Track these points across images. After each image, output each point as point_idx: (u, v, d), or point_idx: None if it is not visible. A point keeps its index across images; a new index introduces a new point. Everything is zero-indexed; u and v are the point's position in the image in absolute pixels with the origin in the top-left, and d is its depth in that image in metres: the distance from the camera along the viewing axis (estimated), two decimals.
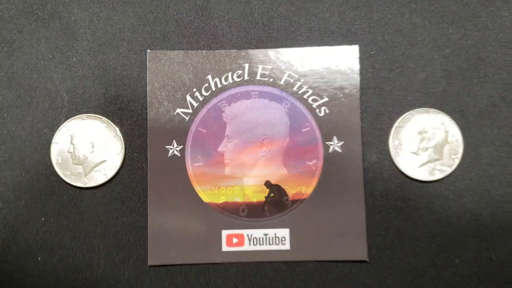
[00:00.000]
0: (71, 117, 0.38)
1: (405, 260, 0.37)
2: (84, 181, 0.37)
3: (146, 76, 0.38)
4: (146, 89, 0.38)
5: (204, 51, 0.38)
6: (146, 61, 0.38)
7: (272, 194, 0.37)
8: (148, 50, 0.38)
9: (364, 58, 0.38)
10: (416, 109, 0.38)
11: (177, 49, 0.38)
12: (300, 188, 0.37)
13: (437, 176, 0.37)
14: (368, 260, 0.37)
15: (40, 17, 0.39)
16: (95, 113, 0.38)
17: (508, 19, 0.38)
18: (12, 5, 0.39)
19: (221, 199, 0.37)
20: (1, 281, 0.36)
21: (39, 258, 0.37)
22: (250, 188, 0.37)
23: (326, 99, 0.38)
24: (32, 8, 0.39)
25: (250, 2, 0.39)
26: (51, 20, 0.39)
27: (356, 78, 0.38)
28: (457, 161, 0.37)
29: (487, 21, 0.39)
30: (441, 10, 0.39)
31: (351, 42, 0.38)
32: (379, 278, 0.37)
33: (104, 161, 0.37)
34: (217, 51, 0.38)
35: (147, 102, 0.38)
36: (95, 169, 0.37)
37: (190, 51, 0.38)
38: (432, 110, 0.38)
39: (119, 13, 0.39)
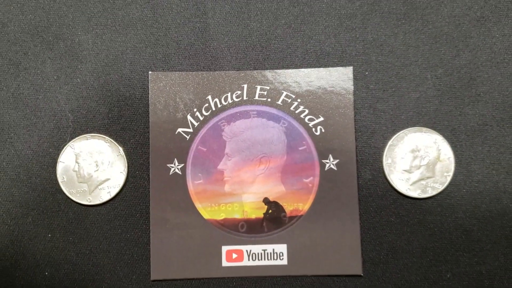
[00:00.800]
0: (75, 136, 0.39)
1: (399, 274, 0.38)
2: (89, 198, 0.38)
3: (148, 97, 0.39)
4: (148, 109, 0.39)
5: (204, 72, 0.39)
6: (148, 82, 0.39)
7: (270, 211, 0.39)
8: (150, 72, 0.39)
9: (358, 79, 0.39)
10: (409, 128, 0.39)
11: (178, 70, 0.39)
12: (297, 204, 0.39)
13: (430, 193, 0.38)
14: (362, 275, 0.38)
15: (45, 39, 0.40)
16: (99, 133, 0.39)
17: (499, 40, 0.40)
18: (17, 27, 0.40)
19: (221, 216, 0.39)
20: None
21: (47, 273, 0.38)
22: (249, 205, 0.39)
23: (322, 118, 0.39)
24: (37, 30, 0.40)
25: (249, 25, 0.40)
26: (55, 42, 0.40)
27: (350, 98, 0.39)
28: (449, 179, 0.38)
29: (478, 41, 0.40)
30: (434, 31, 0.40)
31: (345, 64, 0.39)
32: None
33: (108, 179, 0.38)
34: (216, 72, 0.39)
35: (149, 122, 0.39)
36: (99, 187, 0.38)
37: (190, 72, 0.39)
38: (425, 129, 0.39)
39: (121, 35, 0.40)
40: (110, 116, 0.39)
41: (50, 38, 0.40)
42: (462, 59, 0.40)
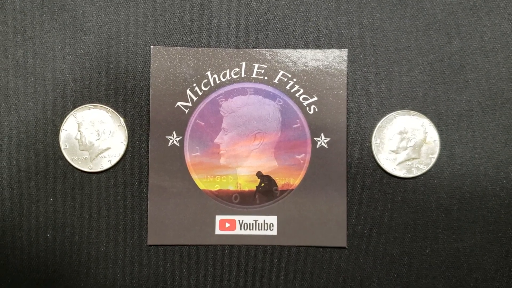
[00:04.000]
0: (78, 106, 0.40)
1: (381, 248, 0.41)
2: (90, 166, 0.40)
3: (149, 70, 0.40)
4: (149, 83, 0.40)
5: (204, 49, 0.41)
6: (149, 56, 0.41)
7: (262, 184, 0.41)
8: (152, 46, 0.40)
9: (352, 61, 0.41)
10: (399, 111, 0.41)
11: (179, 46, 0.41)
12: (289, 179, 0.41)
13: (414, 173, 0.41)
14: (347, 247, 0.40)
15: (50, 9, 0.41)
16: (101, 103, 0.40)
17: (490, 28, 0.41)
18: None
19: (215, 187, 0.41)
20: (13, 254, 0.40)
21: (48, 235, 0.40)
22: (242, 178, 0.41)
23: (315, 98, 0.41)
24: (42, 0, 0.41)
25: (249, 4, 0.41)
26: (60, 12, 0.41)
27: (344, 79, 0.41)
28: (433, 160, 0.41)
29: (470, 30, 0.41)
30: (427, 18, 0.41)
31: (341, 46, 0.41)
32: (356, 263, 0.41)
33: (108, 148, 0.40)
34: (216, 49, 0.41)
35: (149, 94, 0.40)
36: (100, 155, 0.40)
37: (191, 48, 0.41)
38: (413, 112, 0.41)
39: (124, 8, 0.41)
40: (112, 87, 0.41)
41: (55, 8, 0.41)
42: (453, 46, 0.41)
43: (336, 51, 0.41)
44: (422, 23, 0.41)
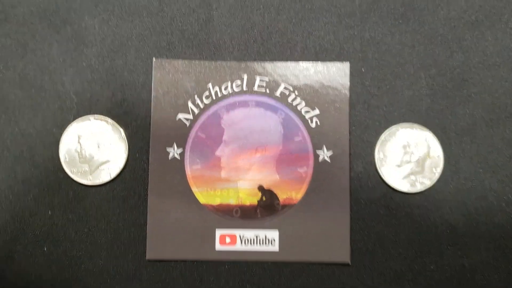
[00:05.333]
0: (79, 117, 0.40)
1: (385, 263, 0.40)
2: (89, 178, 0.40)
3: (151, 83, 0.40)
4: (151, 95, 0.40)
5: (206, 62, 0.41)
6: (151, 69, 0.40)
7: (264, 198, 0.40)
8: (154, 59, 0.41)
9: (354, 75, 0.41)
10: (401, 124, 0.40)
11: (181, 59, 0.41)
12: (291, 193, 0.40)
13: (418, 188, 0.40)
14: (350, 263, 0.40)
15: (52, 22, 0.41)
16: (102, 115, 0.40)
17: (491, 43, 0.41)
18: (27, 10, 0.41)
19: (216, 201, 0.40)
20: (9, 268, 0.39)
21: (45, 249, 0.39)
22: (244, 191, 0.40)
23: (317, 111, 0.40)
24: (45, 14, 0.41)
25: (251, 18, 0.41)
26: (62, 26, 0.41)
27: (346, 93, 0.40)
28: (437, 175, 0.40)
29: (472, 44, 0.41)
30: (429, 32, 0.41)
31: (343, 59, 0.41)
32: (360, 280, 0.40)
33: (108, 161, 0.40)
34: (218, 62, 0.41)
35: (151, 107, 0.40)
36: (100, 168, 0.40)
37: (193, 61, 0.41)
38: (416, 125, 0.40)
39: (127, 22, 0.41)
40: (113, 100, 0.40)
41: (57, 21, 0.41)
42: (455, 60, 0.41)
43: (338, 64, 0.41)
44: (423, 38, 0.41)
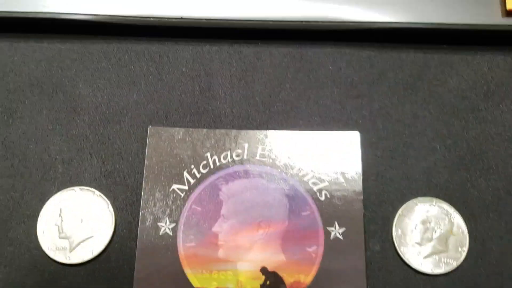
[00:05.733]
0: (63, 188, 0.36)
1: None
2: (68, 256, 0.35)
3: (145, 151, 0.37)
4: (144, 164, 0.37)
5: (204, 130, 0.38)
6: (146, 137, 0.38)
7: (268, 282, 0.35)
8: (150, 126, 0.38)
9: (365, 145, 0.38)
10: (419, 198, 0.37)
11: (178, 127, 0.38)
12: (299, 276, 0.35)
13: (443, 269, 0.35)
14: None
15: (44, 89, 0.39)
16: (89, 186, 0.36)
17: (508, 114, 0.39)
18: (19, 77, 0.39)
19: (212, 285, 0.35)
20: None
21: None
22: (244, 274, 0.35)
23: (326, 183, 0.37)
24: (37, 81, 0.39)
25: (252, 86, 0.39)
26: (55, 92, 0.39)
27: (357, 163, 0.37)
28: (463, 254, 0.35)
29: (487, 114, 0.39)
30: (441, 102, 0.39)
31: (351, 129, 0.38)
32: None
33: (91, 236, 0.35)
34: (217, 130, 0.38)
35: (143, 177, 0.37)
36: (81, 244, 0.35)
37: (191, 129, 0.38)
38: (436, 199, 0.36)
39: (124, 90, 0.39)
40: (103, 169, 0.37)
41: (50, 89, 0.39)
42: (471, 131, 0.38)
43: (347, 133, 0.38)
44: (435, 108, 0.39)
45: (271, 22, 0.39)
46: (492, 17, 0.38)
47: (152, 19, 0.38)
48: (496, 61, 0.40)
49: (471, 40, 0.41)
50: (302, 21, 0.39)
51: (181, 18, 0.38)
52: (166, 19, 0.38)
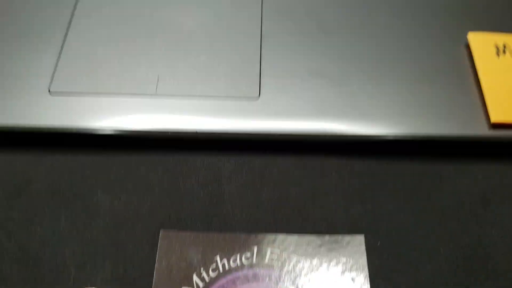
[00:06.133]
0: None
1: None
2: None
3: (156, 255, 0.38)
4: (154, 268, 0.38)
5: (214, 234, 0.39)
6: (157, 241, 0.39)
7: None
8: (161, 230, 0.39)
9: (370, 248, 0.39)
10: None
11: (189, 230, 0.39)
12: None
13: None
14: None
15: (63, 197, 0.41)
16: None
17: (508, 217, 0.40)
18: (41, 186, 0.42)
19: None
20: None
21: None
22: None
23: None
24: (58, 189, 0.42)
25: (262, 192, 0.41)
26: (73, 200, 0.41)
27: (363, 266, 0.38)
28: None
29: (487, 218, 0.40)
30: (439, 208, 0.41)
31: (356, 232, 0.40)
32: None
33: None
34: (227, 234, 0.39)
35: (152, 280, 0.37)
36: None
37: (201, 233, 0.39)
38: None
39: (139, 198, 0.41)
40: (114, 273, 0.38)
41: (69, 196, 0.41)
42: (473, 234, 0.40)
43: (353, 237, 0.39)
44: (435, 214, 0.41)
45: (277, 136, 0.42)
46: (479, 129, 0.42)
47: (169, 133, 0.42)
48: (490, 170, 0.43)
49: (463, 150, 0.44)
50: (305, 135, 0.42)
51: (196, 132, 0.42)
52: (182, 133, 0.42)
